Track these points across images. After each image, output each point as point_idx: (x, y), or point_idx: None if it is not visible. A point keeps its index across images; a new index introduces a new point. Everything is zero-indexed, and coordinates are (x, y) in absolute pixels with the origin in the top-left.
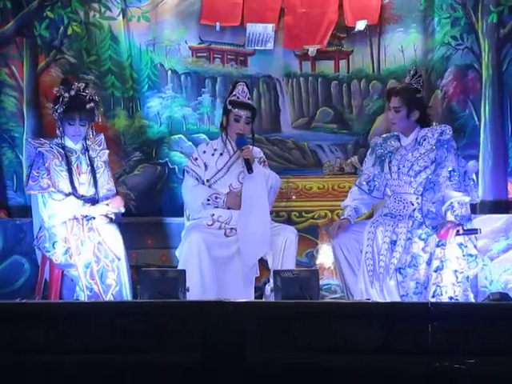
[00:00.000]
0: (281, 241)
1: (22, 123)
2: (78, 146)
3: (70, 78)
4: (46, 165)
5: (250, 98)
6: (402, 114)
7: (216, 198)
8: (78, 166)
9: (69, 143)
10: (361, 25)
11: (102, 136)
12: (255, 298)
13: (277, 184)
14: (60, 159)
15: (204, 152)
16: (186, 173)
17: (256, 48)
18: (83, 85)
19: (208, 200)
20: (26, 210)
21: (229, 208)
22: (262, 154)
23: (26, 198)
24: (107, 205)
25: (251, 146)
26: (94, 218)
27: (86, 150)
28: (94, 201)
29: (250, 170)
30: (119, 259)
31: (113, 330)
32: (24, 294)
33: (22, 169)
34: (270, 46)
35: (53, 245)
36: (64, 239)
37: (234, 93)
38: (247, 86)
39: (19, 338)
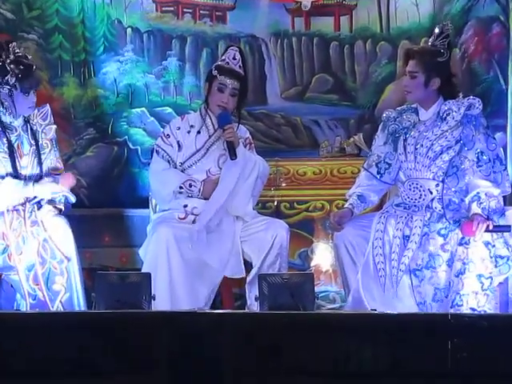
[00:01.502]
0: (269, 238)
1: None
2: (17, 122)
3: (6, 38)
4: None
5: (241, 66)
6: (419, 80)
7: (190, 185)
8: (19, 145)
9: (6, 118)
10: None
11: (47, 107)
12: (236, 307)
13: (264, 172)
14: None
15: (178, 128)
16: (155, 153)
17: None
18: (14, 44)
19: (181, 188)
20: None
21: (205, 198)
22: (248, 135)
23: None
24: (56, 183)
25: (236, 125)
26: (40, 204)
27: (27, 125)
28: (39, 179)
29: (233, 155)
30: (69, 260)
31: (62, 347)
32: None
33: None
34: None
35: None
36: (1, 235)
37: (223, 57)
38: (241, 53)
39: None
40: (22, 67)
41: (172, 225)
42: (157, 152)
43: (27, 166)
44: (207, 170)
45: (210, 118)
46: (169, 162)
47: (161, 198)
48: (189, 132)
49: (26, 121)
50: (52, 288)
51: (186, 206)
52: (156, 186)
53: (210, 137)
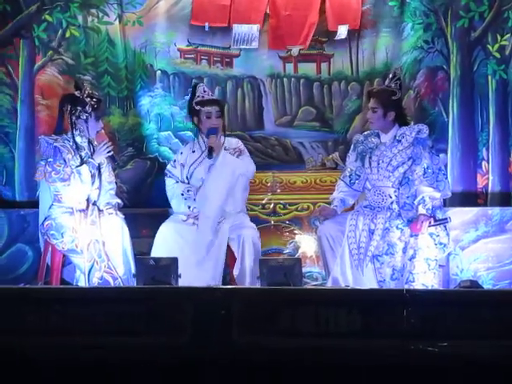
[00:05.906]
0: (240, 241)
1: (15, 120)
2: (85, 143)
3: (68, 79)
4: (64, 158)
5: (212, 94)
6: (379, 114)
7: (188, 191)
8: (86, 161)
9: (78, 139)
10: (343, 30)
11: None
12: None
13: (248, 171)
14: (73, 154)
15: (181, 153)
16: (165, 175)
17: (241, 47)
18: (87, 84)
19: (182, 194)
20: (12, 204)
21: None
22: (238, 145)
23: (13, 191)
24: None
25: (222, 137)
26: (99, 208)
27: (90, 146)
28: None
29: (209, 155)
30: (125, 250)
31: (109, 313)
32: (27, 280)
33: (13, 163)
34: (254, 44)
35: (61, 234)
36: (72, 229)
37: (197, 95)
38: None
39: (28, 320)
40: (95, 99)
41: (178, 224)
42: (166, 174)
43: (91, 177)
44: (201, 178)
45: (202, 138)
46: (176, 179)
47: (172, 204)
48: (188, 154)
49: (90, 143)
50: (110, 273)
51: (189, 207)
52: (168, 196)
53: (202, 152)
